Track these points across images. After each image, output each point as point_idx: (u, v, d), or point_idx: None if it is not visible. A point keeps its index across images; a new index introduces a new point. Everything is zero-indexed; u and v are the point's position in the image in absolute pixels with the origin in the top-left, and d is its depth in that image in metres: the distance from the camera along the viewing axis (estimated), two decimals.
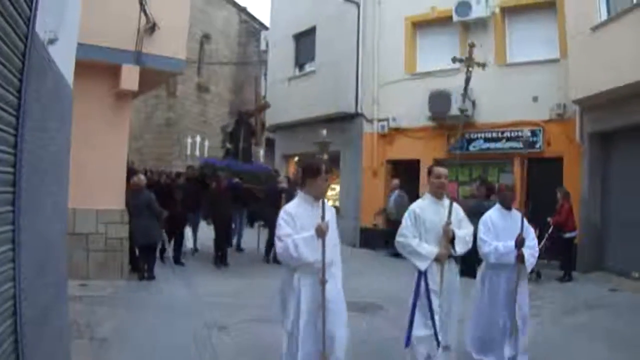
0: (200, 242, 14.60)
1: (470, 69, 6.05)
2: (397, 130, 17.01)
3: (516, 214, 6.32)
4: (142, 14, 9.98)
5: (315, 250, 4.69)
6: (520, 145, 14.30)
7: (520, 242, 5.93)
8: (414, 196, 15.84)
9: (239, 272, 12.11)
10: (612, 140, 12.74)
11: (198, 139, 15.77)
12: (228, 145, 15.48)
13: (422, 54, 17.19)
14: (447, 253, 5.50)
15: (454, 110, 14.97)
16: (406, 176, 16.20)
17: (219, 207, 12.90)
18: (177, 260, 12.62)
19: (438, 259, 5.46)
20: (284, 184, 14.27)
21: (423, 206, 5.73)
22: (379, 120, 17.44)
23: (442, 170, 5.80)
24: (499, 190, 6.79)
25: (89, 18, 6.97)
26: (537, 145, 14.20)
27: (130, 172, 11.35)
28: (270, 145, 23.68)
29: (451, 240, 5.52)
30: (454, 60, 6.41)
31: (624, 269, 11.76)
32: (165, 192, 12.85)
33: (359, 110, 17.66)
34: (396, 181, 15.84)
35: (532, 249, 6.09)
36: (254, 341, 7.21)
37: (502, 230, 6.21)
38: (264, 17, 50.00)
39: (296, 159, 21.88)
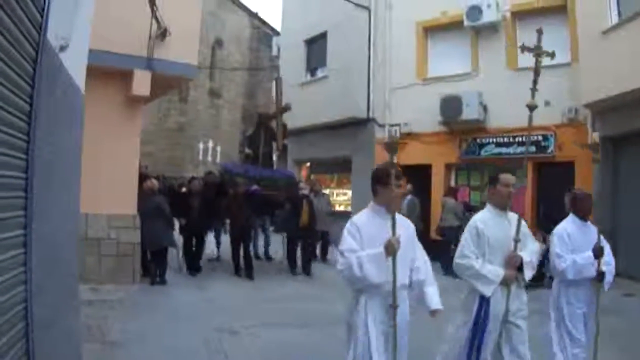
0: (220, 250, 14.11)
1: (540, 58, 5.31)
2: (409, 135, 16.97)
3: (591, 226, 5.66)
4: (154, 20, 10.04)
5: (383, 270, 4.01)
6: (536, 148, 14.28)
7: (599, 251, 5.24)
8: (426, 201, 15.92)
9: (255, 279, 11.92)
10: (624, 145, 12.68)
11: (210, 144, 15.83)
12: (247, 150, 14.99)
13: (433, 59, 17.17)
14: (515, 274, 4.75)
15: (465, 115, 14.97)
16: (418, 181, 16.16)
17: (235, 215, 12.32)
18: (196, 269, 12.10)
19: (505, 282, 4.70)
20: (305, 191, 13.86)
21: (486, 220, 4.95)
22: (391, 126, 17.41)
23: (511, 177, 5.04)
24: (574, 199, 6.00)
25: (101, 24, 7.04)
26: (549, 150, 14.16)
27: (142, 177, 11.38)
28: (283, 150, 23.72)
29: (519, 266, 4.77)
30: (522, 48, 5.40)
31: (637, 273, 11.68)
32: (182, 199, 12.71)
33: (371, 116, 17.68)
34: (408, 186, 15.75)
35: (609, 265, 5.42)
36: (265, 346, 7.24)
37: (579, 243, 5.51)
38: (276, 22, 50.16)
39: (308, 164, 21.90)
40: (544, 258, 11.47)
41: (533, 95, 5.31)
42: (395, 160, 4.36)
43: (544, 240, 11.78)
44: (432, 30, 17.23)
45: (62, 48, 3.88)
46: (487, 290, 4.69)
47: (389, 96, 17.62)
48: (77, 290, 5.51)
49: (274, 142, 14.99)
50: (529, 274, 4.83)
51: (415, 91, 16.89)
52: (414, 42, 17.27)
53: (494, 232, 4.85)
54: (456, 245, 13.96)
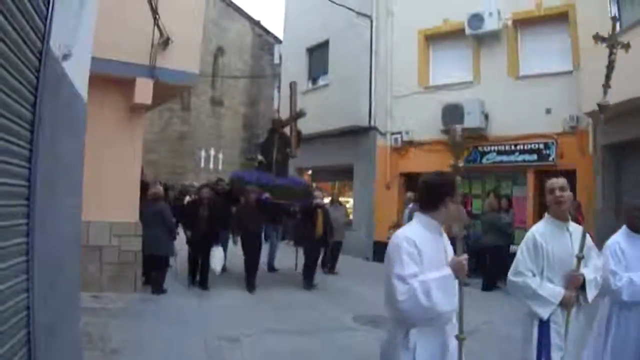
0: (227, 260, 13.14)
1: (614, 50, 4.82)
2: (411, 144, 16.99)
3: None
4: (156, 28, 10.07)
5: (452, 296, 3.30)
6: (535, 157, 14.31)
7: None
8: None
9: (257, 288, 11.65)
10: (625, 153, 12.66)
11: (212, 152, 15.79)
12: (259, 157, 14.37)
13: (435, 67, 17.21)
14: (575, 295, 4.18)
15: (467, 123, 14.97)
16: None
17: (247, 225, 11.74)
18: (203, 284, 11.41)
19: (564, 303, 4.14)
20: (319, 200, 13.19)
21: (545, 232, 4.37)
22: (392, 134, 17.44)
23: (556, 181, 4.41)
24: (627, 211, 5.29)
25: (103, 32, 7.06)
26: (550, 158, 14.16)
27: (144, 184, 11.37)
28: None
29: (581, 285, 4.19)
30: (596, 38, 4.87)
31: None
32: (190, 209, 12.15)
33: (372, 124, 17.69)
34: (410, 194, 15.66)
35: None
36: (266, 353, 7.25)
37: (634, 262, 4.87)
38: (278, 30, 50.30)
39: (310, 171, 21.90)
40: None
41: (605, 93, 4.65)
42: (461, 164, 3.63)
43: None
44: (433, 39, 17.27)
45: (65, 56, 3.90)
46: (544, 313, 4.16)
47: (391, 104, 17.64)
48: (79, 297, 5.51)
49: (288, 149, 14.24)
50: (592, 293, 4.26)
51: (416, 99, 16.92)
52: (415, 50, 17.31)
53: (553, 246, 4.29)
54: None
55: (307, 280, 12.30)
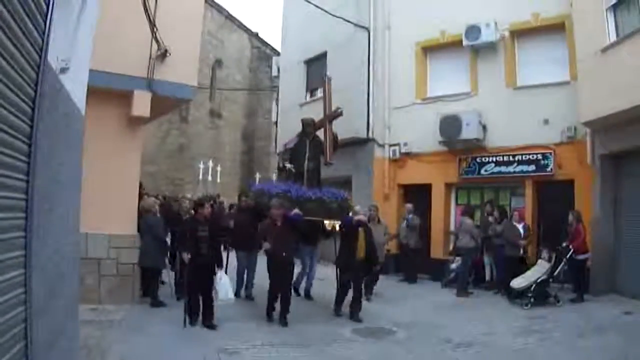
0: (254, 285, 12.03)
1: None
2: (409, 155, 16.96)
3: None
4: (154, 41, 10.10)
5: None
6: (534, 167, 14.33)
7: None
8: (426, 221, 15.90)
9: (259, 304, 10.87)
10: (623, 162, 12.67)
11: (210, 163, 15.73)
12: (288, 165, 12.34)
13: (433, 79, 17.20)
14: None
15: (465, 135, 14.98)
16: (418, 201, 16.14)
17: (273, 247, 9.86)
18: (207, 322, 9.20)
19: None
20: (361, 216, 11.16)
21: None
22: (390, 145, 17.42)
23: None
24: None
25: (101, 45, 7.08)
26: (549, 169, 14.16)
27: (142, 196, 11.36)
28: (284, 169, 23.57)
29: None
30: None
31: (637, 292, 11.63)
32: (190, 228, 9.64)
33: (371, 135, 17.65)
34: (409, 206, 15.67)
35: None
36: None
37: None
38: (276, 42, 50.46)
39: None
40: (549, 277, 11.49)
41: None
42: None
43: (550, 258, 11.79)
44: (431, 50, 17.28)
45: (63, 70, 3.92)
46: None
47: (389, 116, 17.63)
48: (77, 310, 5.50)
49: (321, 156, 12.56)
50: None
51: (414, 111, 16.91)
52: (413, 62, 17.32)
53: None
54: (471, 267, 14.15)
55: (337, 305, 10.81)
